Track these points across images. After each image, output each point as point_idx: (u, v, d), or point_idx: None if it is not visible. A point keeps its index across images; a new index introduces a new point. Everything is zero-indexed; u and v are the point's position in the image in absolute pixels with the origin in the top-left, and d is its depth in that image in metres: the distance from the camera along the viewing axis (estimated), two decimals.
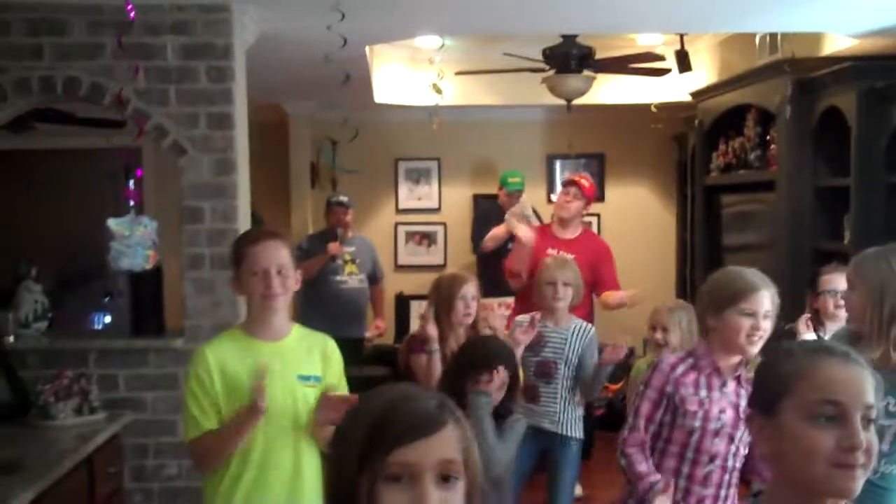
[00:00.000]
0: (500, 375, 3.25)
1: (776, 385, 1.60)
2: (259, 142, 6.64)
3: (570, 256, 4.80)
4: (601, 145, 8.55)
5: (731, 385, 2.89)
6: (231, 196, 4.10)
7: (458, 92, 7.40)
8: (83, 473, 3.63)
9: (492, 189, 8.01)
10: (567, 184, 5.85)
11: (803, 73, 5.37)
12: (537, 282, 4.48)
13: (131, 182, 5.08)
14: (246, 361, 2.79)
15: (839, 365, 1.56)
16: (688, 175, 7.46)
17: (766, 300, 2.84)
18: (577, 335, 4.41)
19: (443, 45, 6.40)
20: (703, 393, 2.87)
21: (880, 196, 4.92)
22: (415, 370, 3.93)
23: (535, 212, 7.38)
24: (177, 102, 4.05)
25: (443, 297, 4.05)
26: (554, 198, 7.76)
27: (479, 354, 3.34)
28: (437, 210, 8.60)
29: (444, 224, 8.61)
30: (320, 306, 6.33)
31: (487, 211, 7.66)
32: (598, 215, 8.42)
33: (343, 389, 2.97)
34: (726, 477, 2.85)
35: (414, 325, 7.33)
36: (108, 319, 7.97)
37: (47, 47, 4.02)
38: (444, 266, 8.50)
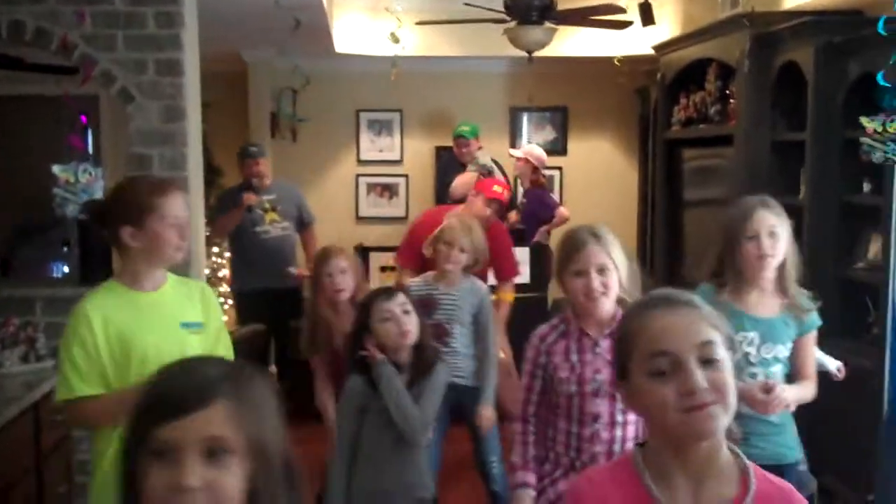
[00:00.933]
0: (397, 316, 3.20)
1: (623, 347, 1.63)
2: (218, 91, 6.58)
3: (475, 224, 4.50)
4: (564, 98, 8.52)
5: (605, 343, 2.84)
6: (180, 144, 4.06)
7: (420, 43, 7.34)
8: (29, 421, 3.61)
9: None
10: (489, 199, 5.19)
11: (763, 28, 5.35)
12: (435, 237, 4.28)
13: (79, 130, 4.99)
14: (129, 313, 2.71)
15: (662, 314, 1.58)
16: (650, 129, 7.46)
17: (595, 254, 2.80)
18: (469, 294, 4.29)
19: None
20: (575, 357, 2.85)
21: (836, 150, 4.92)
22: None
23: (495, 162, 7.38)
24: (124, 48, 3.99)
25: (313, 276, 3.97)
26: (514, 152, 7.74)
27: (373, 294, 3.34)
28: (399, 162, 8.56)
29: (406, 176, 8.57)
30: (246, 259, 6.24)
31: (446, 163, 7.63)
32: (560, 168, 8.42)
33: (224, 336, 2.93)
34: (617, 433, 2.83)
35: (374, 278, 7.31)
36: (66, 269, 7.89)
37: None
38: (405, 218, 8.48)
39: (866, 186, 4.77)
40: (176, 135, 4.03)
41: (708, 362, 1.54)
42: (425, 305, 4.06)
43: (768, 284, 3.17)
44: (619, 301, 2.86)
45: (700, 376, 1.52)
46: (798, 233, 5.18)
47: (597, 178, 8.46)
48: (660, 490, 1.58)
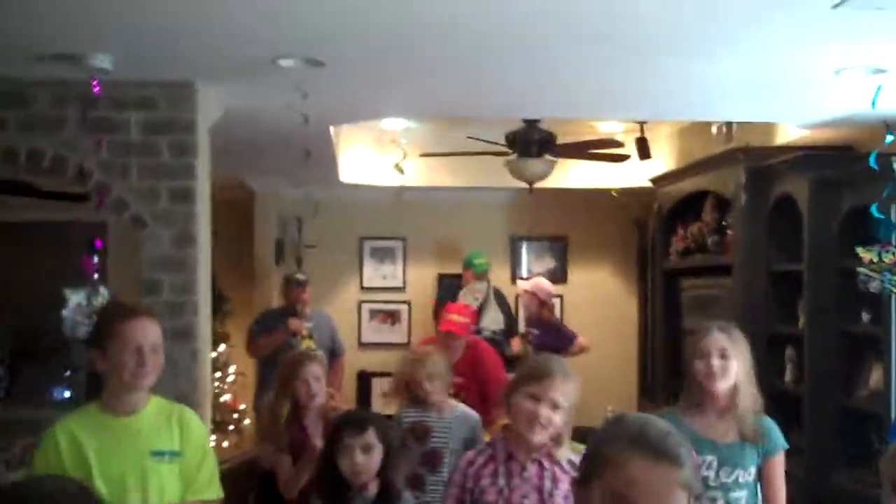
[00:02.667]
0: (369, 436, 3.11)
1: (593, 461, 1.59)
2: (224, 219, 6.71)
3: (430, 350, 4.55)
4: (564, 228, 8.67)
5: (533, 469, 2.84)
6: (191, 270, 4.12)
7: (423, 173, 7.52)
8: None
9: (456, 269, 8.10)
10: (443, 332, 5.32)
11: (757, 162, 5.51)
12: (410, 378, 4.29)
13: (92, 254, 5.07)
14: (98, 437, 2.71)
15: (648, 465, 1.52)
16: (648, 259, 7.57)
17: (555, 389, 2.79)
18: (462, 423, 4.28)
19: (408, 128, 6.52)
20: (502, 482, 2.84)
21: (832, 280, 5.01)
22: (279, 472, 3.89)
23: (496, 290, 7.48)
24: (138, 176, 4.10)
25: (283, 379, 3.98)
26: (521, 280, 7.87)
27: (344, 419, 3.24)
28: (402, 289, 8.65)
29: (409, 302, 8.65)
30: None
31: (449, 289, 7.71)
32: (561, 296, 8.49)
33: (207, 460, 2.87)
34: None
35: (376, 403, 7.32)
36: (67, 394, 7.87)
37: (12, 119, 4.06)
38: (407, 344, 8.49)
39: (865, 316, 4.82)
40: (187, 261, 4.11)
41: None
42: (419, 432, 4.13)
43: (723, 408, 3.25)
44: (554, 438, 2.86)
45: None
46: (798, 362, 5.27)
47: (597, 306, 8.52)
48: None
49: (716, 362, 3.19)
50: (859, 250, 4.11)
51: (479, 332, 7.09)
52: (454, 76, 4.16)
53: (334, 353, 6.57)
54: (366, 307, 8.63)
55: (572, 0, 3.04)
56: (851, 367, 5.01)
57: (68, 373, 7.98)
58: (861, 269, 4.08)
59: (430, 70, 4.02)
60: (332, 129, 5.63)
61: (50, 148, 4.07)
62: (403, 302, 8.67)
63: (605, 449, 1.58)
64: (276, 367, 6.14)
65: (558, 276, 8.60)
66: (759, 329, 5.52)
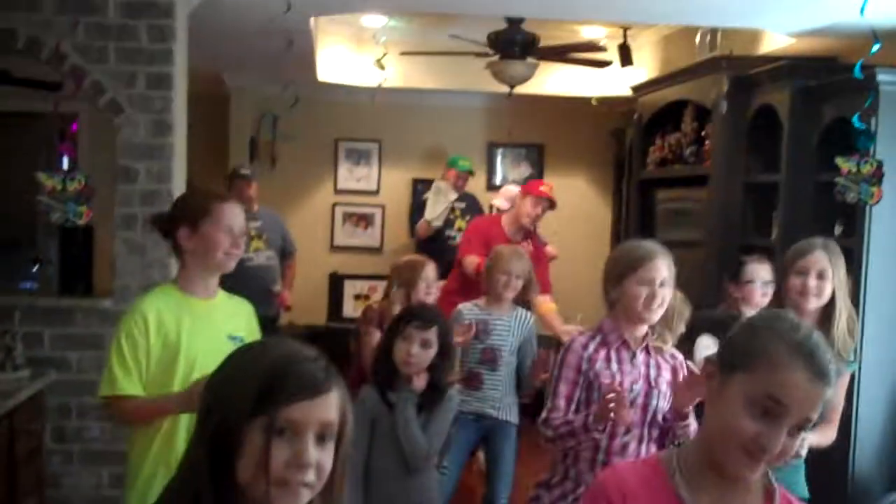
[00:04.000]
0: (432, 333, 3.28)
1: (746, 354, 1.60)
2: (199, 114, 6.60)
3: (522, 249, 4.81)
4: (541, 136, 8.63)
5: (641, 356, 2.91)
6: (167, 157, 4.07)
7: (402, 74, 7.42)
8: (4, 430, 3.59)
9: (431, 174, 8.06)
10: (538, 197, 5.66)
11: (740, 71, 5.47)
12: (490, 270, 4.49)
13: (68, 140, 4.98)
14: (182, 318, 2.76)
15: (808, 376, 1.56)
16: (625, 169, 7.56)
17: (663, 268, 2.86)
18: (520, 323, 4.49)
19: (388, 25, 6.41)
20: (615, 367, 2.90)
21: (809, 193, 5.03)
22: (364, 344, 4.05)
23: (472, 196, 7.47)
24: (116, 60, 4.02)
25: (404, 280, 4.25)
26: (497, 184, 7.87)
27: (414, 313, 3.37)
28: (376, 192, 8.60)
29: (383, 206, 8.61)
30: (227, 286, 6.16)
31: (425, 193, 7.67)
32: None
33: None
34: (643, 447, 2.89)
35: (348, 305, 7.34)
36: (35, 287, 7.82)
37: None
38: (380, 249, 8.52)
39: (838, 228, 4.86)
40: (163, 148, 4.05)
41: (798, 430, 1.58)
42: (479, 330, 4.36)
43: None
44: (660, 332, 2.94)
45: (785, 440, 1.56)
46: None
47: (571, 215, 8.50)
48: (687, 492, 1.62)
49: (812, 282, 3.24)
50: (838, 160, 4.12)
51: (449, 239, 7.10)
52: None
53: (286, 252, 6.41)
54: (339, 210, 8.59)
55: None
56: None
57: (35, 267, 7.93)
58: (839, 180, 4.11)
59: None
60: (312, 23, 5.52)
61: (25, 28, 3.97)
62: (377, 205, 8.63)
63: (767, 345, 1.60)
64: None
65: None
66: (733, 240, 5.57)
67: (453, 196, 7.36)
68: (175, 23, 4.04)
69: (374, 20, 6.81)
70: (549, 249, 7.21)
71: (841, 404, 3.40)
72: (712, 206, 5.71)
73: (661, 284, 2.85)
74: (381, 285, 7.29)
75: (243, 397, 1.39)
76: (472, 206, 7.53)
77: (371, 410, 3.26)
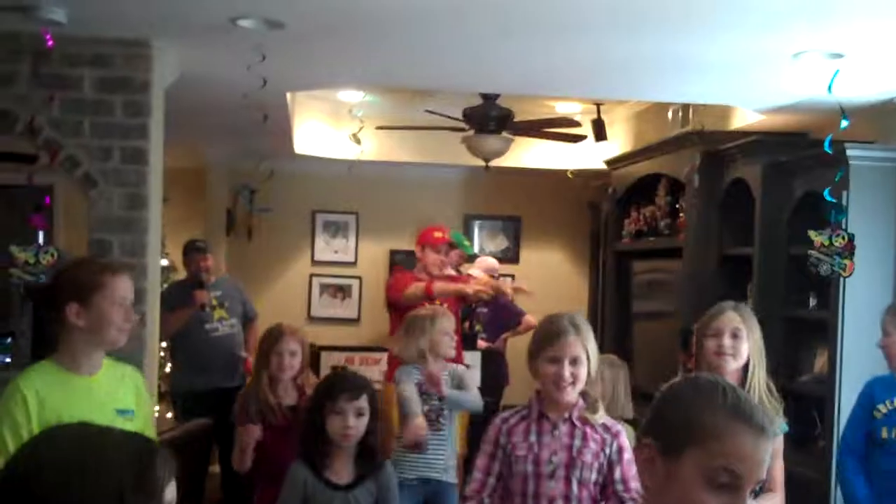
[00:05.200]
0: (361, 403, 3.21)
1: (687, 431, 1.55)
2: (175, 187, 6.62)
3: (439, 308, 4.73)
4: (518, 208, 8.68)
5: (564, 428, 2.90)
6: (141, 231, 4.06)
7: (379, 147, 7.48)
8: None
9: (408, 245, 8.06)
10: (434, 245, 5.63)
11: (712, 146, 5.55)
12: (433, 333, 4.36)
13: (42, 212, 4.94)
14: (64, 396, 2.61)
15: (752, 438, 1.53)
16: (601, 241, 7.61)
17: (575, 345, 2.86)
18: (452, 378, 4.43)
19: (365, 99, 6.47)
20: (533, 438, 2.91)
21: (782, 265, 5.07)
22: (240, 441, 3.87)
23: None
24: (91, 134, 4.02)
25: (260, 351, 4.04)
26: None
27: (339, 384, 3.28)
28: (353, 263, 8.60)
29: (360, 278, 8.61)
30: (191, 359, 6.07)
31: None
32: (513, 276, 8.50)
33: (150, 425, 2.85)
34: None
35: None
36: (7, 361, 7.73)
37: None
38: (357, 320, 8.49)
39: (812, 301, 4.90)
40: (138, 222, 4.04)
41: (754, 494, 1.57)
42: (424, 388, 4.29)
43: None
44: (583, 393, 2.93)
45: None
46: None
47: (548, 286, 8.51)
48: None
49: (727, 342, 3.20)
50: (811, 234, 4.16)
51: None
52: (413, 45, 4.13)
53: (247, 317, 6.35)
54: (316, 281, 8.58)
55: None
56: (798, 351, 5.08)
57: (9, 340, 7.84)
58: (812, 252, 4.14)
59: (389, 37, 3.99)
60: (288, 97, 5.56)
61: None
62: (354, 277, 8.62)
63: (703, 417, 1.55)
64: (187, 342, 6.09)
65: (511, 255, 8.63)
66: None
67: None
68: (151, 98, 4.06)
69: (350, 95, 6.87)
70: (529, 318, 7.23)
71: (782, 470, 3.36)
72: (687, 278, 5.73)
73: (573, 363, 2.86)
74: (360, 356, 7.34)
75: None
76: None
77: (303, 487, 3.17)
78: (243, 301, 6.39)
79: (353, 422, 3.17)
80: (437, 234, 5.64)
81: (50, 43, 3.65)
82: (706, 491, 1.52)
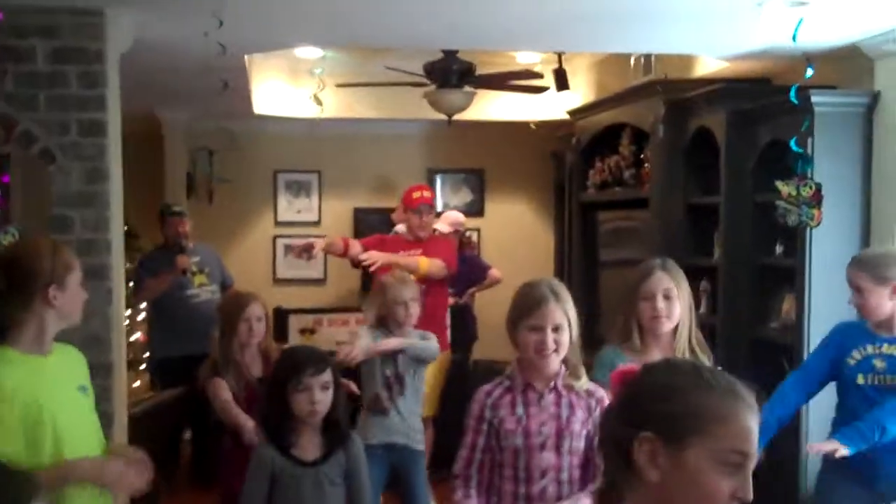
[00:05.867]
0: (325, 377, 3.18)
1: (689, 419, 1.55)
2: (133, 152, 6.47)
3: (405, 275, 4.73)
4: (481, 161, 8.64)
5: (550, 397, 2.89)
6: (103, 206, 3.97)
7: (340, 104, 7.38)
8: None
9: (373, 202, 8.03)
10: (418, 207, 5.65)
11: (676, 95, 5.52)
12: (386, 302, 4.37)
13: None
14: (34, 380, 2.59)
15: (751, 415, 1.56)
16: (565, 192, 7.60)
17: (553, 312, 2.84)
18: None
19: (324, 57, 6.36)
20: (520, 410, 2.88)
21: (748, 213, 5.08)
22: (215, 394, 3.91)
23: None
24: (47, 108, 3.91)
25: (226, 319, 4.01)
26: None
27: (302, 360, 3.20)
28: (317, 223, 8.53)
29: (324, 237, 8.49)
30: (173, 325, 6.08)
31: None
32: (479, 230, 8.50)
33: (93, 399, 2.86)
34: (564, 489, 2.86)
35: (294, 341, 7.24)
36: None
37: None
38: (323, 280, 8.45)
39: (778, 248, 4.92)
40: (99, 197, 3.95)
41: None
42: (387, 354, 4.27)
43: (665, 346, 3.24)
44: (565, 360, 2.90)
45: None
46: (713, 294, 5.36)
47: (514, 239, 8.56)
48: None
49: (661, 304, 3.17)
50: (778, 184, 4.17)
51: None
52: (373, 3, 4.04)
53: (225, 285, 6.37)
54: (280, 242, 8.50)
55: None
56: (765, 298, 5.12)
57: None
58: (780, 203, 4.15)
59: None
60: (245, 59, 5.45)
61: None
62: (319, 236, 8.51)
63: (705, 404, 1.55)
64: (167, 308, 6.07)
65: (475, 209, 8.60)
66: (675, 261, 5.59)
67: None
68: (106, 68, 3.95)
69: (308, 52, 6.75)
70: (494, 273, 7.23)
71: None
72: (653, 228, 5.74)
73: (556, 330, 2.84)
74: (328, 318, 7.31)
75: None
76: None
77: (269, 466, 3.13)
78: (221, 267, 6.42)
79: (320, 396, 3.13)
80: (414, 195, 5.61)
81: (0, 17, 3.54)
82: (718, 473, 1.53)
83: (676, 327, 3.22)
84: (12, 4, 3.64)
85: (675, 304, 3.19)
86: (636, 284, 3.23)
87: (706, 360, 3.22)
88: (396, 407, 4.32)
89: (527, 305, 2.87)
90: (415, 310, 4.37)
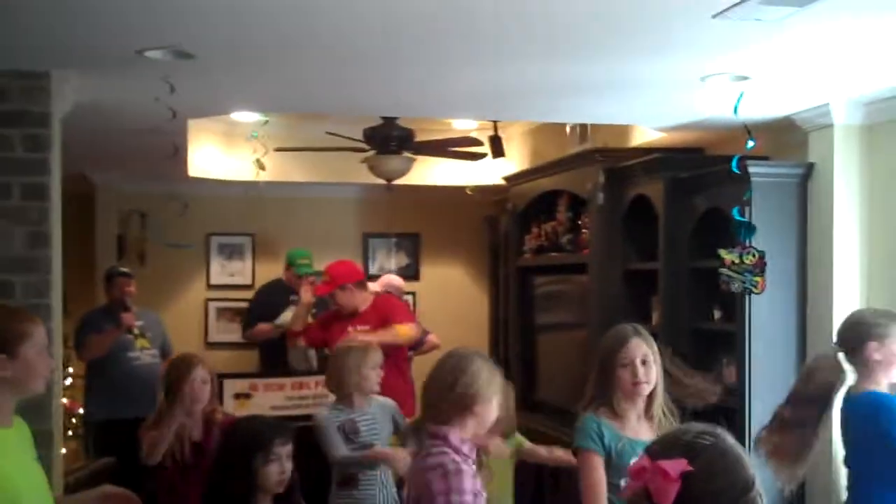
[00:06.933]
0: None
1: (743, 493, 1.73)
2: (64, 213, 6.35)
3: (368, 338, 4.72)
4: (416, 225, 8.66)
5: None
6: (45, 271, 3.89)
7: (277, 168, 7.32)
8: None
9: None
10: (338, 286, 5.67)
11: (614, 163, 5.63)
12: (346, 368, 4.34)
13: None
14: (3, 455, 2.50)
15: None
16: (500, 257, 7.66)
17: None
18: (382, 409, 4.40)
19: (266, 122, 6.35)
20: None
21: (686, 279, 5.18)
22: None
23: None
24: None
25: (171, 380, 3.97)
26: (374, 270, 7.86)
27: (267, 430, 3.15)
28: (250, 286, 8.40)
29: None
30: (111, 386, 6.00)
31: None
32: (414, 293, 8.49)
33: None
34: None
35: (228, 405, 7.09)
36: None
37: None
38: (255, 344, 8.32)
39: (717, 314, 5.01)
40: (41, 261, 3.87)
41: None
42: (349, 430, 4.22)
43: (642, 410, 3.29)
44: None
45: None
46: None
47: (450, 302, 8.55)
48: None
49: (641, 371, 3.22)
50: (721, 252, 4.26)
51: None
52: (316, 72, 4.07)
53: (165, 354, 6.29)
54: (213, 305, 8.38)
55: None
56: (704, 364, 5.18)
57: None
58: (723, 271, 4.24)
59: (293, 64, 3.92)
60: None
61: None
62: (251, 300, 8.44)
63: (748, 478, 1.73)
64: (107, 368, 5.95)
65: (411, 272, 8.60)
66: (613, 326, 5.65)
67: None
68: (51, 131, 3.90)
69: (245, 116, 6.73)
70: (432, 338, 7.19)
71: None
72: (592, 293, 5.80)
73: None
74: (264, 383, 7.16)
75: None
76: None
77: None
78: (163, 334, 6.40)
79: (288, 465, 3.11)
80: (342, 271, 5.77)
81: None
82: None
83: (654, 392, 3.27)
84: None
85: (652, 369, 3.25)
86: (612, 351, 3.27)
87: (674, 421, 3.25)
88: (367, 481, 4.26)
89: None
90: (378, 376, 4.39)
